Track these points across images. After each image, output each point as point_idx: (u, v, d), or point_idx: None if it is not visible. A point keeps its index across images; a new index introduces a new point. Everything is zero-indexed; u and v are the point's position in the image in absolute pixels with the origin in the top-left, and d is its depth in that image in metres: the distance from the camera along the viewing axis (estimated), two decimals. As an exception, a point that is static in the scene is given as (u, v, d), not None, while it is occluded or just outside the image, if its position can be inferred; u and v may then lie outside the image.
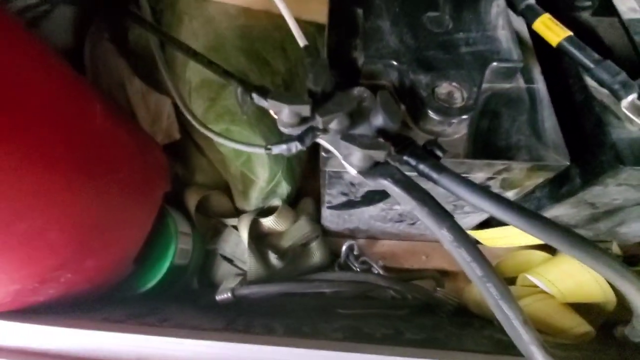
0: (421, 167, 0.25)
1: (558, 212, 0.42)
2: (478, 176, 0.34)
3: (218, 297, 0.43)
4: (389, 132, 0.28)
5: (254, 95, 0.30)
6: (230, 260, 0.50)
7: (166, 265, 0.45)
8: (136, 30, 0.49)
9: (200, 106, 0.42)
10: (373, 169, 0.26)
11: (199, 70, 0.42)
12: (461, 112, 0.29)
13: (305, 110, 0.28)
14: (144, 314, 0.42)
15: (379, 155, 0.25)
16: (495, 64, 0.32)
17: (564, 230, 0.21)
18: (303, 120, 0.29)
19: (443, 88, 0.31)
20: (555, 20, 0.35)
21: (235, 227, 0.51)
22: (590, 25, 0.39)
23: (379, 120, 0.28)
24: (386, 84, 0.34)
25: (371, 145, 0.25)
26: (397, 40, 0.33)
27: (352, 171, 0.27)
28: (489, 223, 0.48)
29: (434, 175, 0.25)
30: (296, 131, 0.29)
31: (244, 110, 0.31)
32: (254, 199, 0.51)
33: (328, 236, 0.55)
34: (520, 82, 0.35)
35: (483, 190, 0.23)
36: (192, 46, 0.37)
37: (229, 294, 0.42)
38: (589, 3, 0.41)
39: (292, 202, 0.55)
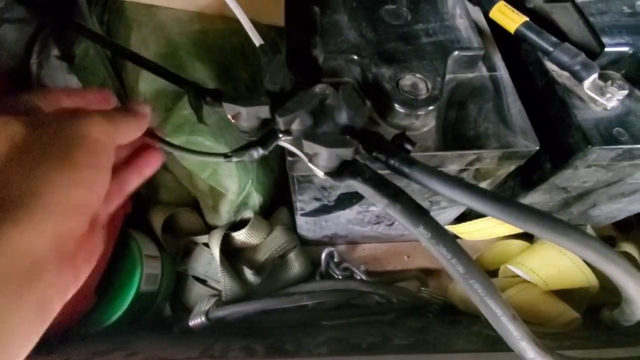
0: (391, 162, 0.24)
1: (532, 199, 0.41)
2: (451, 168, 0.33)
3: (191, 323, 0.40)
4: (355, 128, 0.26)
5: (208, 100, 0.28)
6: (203, 281, 0.46)
7: (132, 293, 0.41)
8: (83, 43, 0.46)
9: (157, 117, 0.39)
10: (341, 169, 0.25)
11: (151, 79, 0.40)
12: (427, 103, 0.28)
13: (264, 111, 0.26)
14: (110, 350, 0.38)
15: (346, 153, 0.24)
16: (456, 52, 0.31)
17: (543, 215, 0.20)
18: (263, 123, 0.27)
19: (407, 80, 0.29)
20: (510, 7, 0.35)
21: (207, 245, 0.48)
22: (545, 11, 0.40)
23: (343, 116, 0.26)
24: (349, 80, 0.33)
25: (337, 142, 0.23)
26: (357, 34, 0.32)
27: (320, 173, 0.26)
28: (466, 216, 0.48)
29: (405, 169, 0.23)
30: (257, 135, 0.27)
31: (200, 118, 0.29)
32: (225, 213, 0.48)
33: (306, 245, 0.53)
34: (483, 71, 0.34)
35: (456, 180, 0.22)
36: (143, 54, 0.35)
37: (203, 318, 0.38)
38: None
39: (267, 212, 0.52)
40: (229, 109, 0.26)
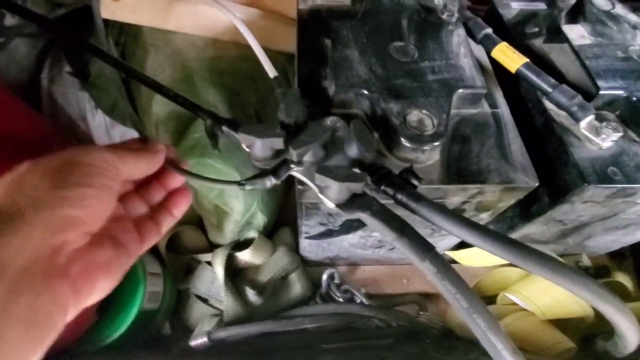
0: (399, 196, 0.25)
1: (530, 230, 0.43)
2: (453, 200, 0.34)
3: (193, 343, 0.40)
4: (364, 162, 0.27)
5: (225, 129, 0.29)
6: (205, 300, 0.47)
7: (134, 311, 0.41)
8: (98, 62, 0.48)
9: (168, 140, 0.41)
10: (350, 202, 0.26)
11: (165, 103, 0.41)
12: (433, 139, 0.30)
13: (279, 143, 0.27)
14: (108, 368, 0.38)
15: (357, 187, 0.25)
16: (460, 90, 0.33)
17: (542, 256, 0.21)
18: (277, 153, 0.28)
19: (414, 115, 0.31)
20: (512, 48, 0.37)
21: (210, 263, 0.49)
22: (543, 51, 0.42)
23: (353, 150, 0.27)
24: (358, 112, 0.35)
25: (348, 177, 0.24)
26: (366, 69, 0.34)
27: (330, 204, 0.27)
28: (466, 244, 0.49)
29: (412, 204, 0.24)
30: (270, 164, 0.29)
31: (215, 145, 0.30)
32: (229, 232, 0.49)
33: (308, 266, 0.53)
34: (485, 107, 0.36)
35: (460, 218, 0.23)
36: (158, 78, 0.36)
37: (205, 339, 0.39)
38: (536, 29, 0.44)
39: (269, 233, 0.53)
40: (245, 139, 0.27)
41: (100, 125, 0.53)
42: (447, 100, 0.32)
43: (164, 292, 0.46)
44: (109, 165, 0.22)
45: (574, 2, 0.44)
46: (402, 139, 0.30)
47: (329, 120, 0.31)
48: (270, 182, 0.28)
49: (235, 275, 0.47)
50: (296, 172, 0.28)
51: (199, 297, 0.47)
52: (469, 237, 0.23)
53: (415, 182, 0.26)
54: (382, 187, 0.26)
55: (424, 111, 0.31)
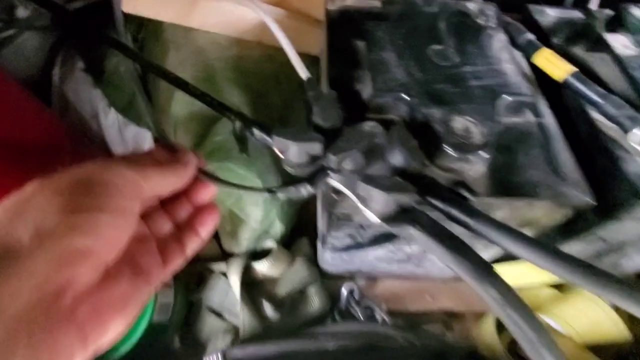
0: (448, 210, 0.23)
1: (568, 248, 0.40)
2: (496, 215, 0.31)
3: (205, 360, 0.37)
4: (409, 171, 0.25)
5: (256, 132, 0.27)
6: (218, 314, 0.44)
7: (143, 325, 0.38)
8: (114, 59, 0.46)
9: (188, 142, 0.38)
10: (397, 215, 0.23)
11: (186, 102, 0.39)
12: (481, 147, 0.27)
13: (316, 148, 0.25)
14: (115, 385, 0.35)
15: (405, 199, 0.23)
16: (505, 97, 0.31)
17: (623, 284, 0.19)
18: (313, 159, 0.26)
19: (458, 122, 0.29)
20: (557, 55, 0.35)
21: (224, 273, 0.46)
22: (584, 60, 0.40)
23: (397, 158, 0.25)
24: (395, 118, 0.32)
25: (396, 187, 0.22)
26: (405, 73, 0.32)
27: (373, 217, 0.24)
28: (506, 257, 0.46)
29: (466, 219, 0.22)
30: (305, 171, 0.26)
31: (245, 149, 0.28)
32: (245, 241, 0.46)
33: (325, 278, 0.51)
34: (529, 116, 0.34)
35: (525, 237, 0.21)
36: (183, 78, 0.34)
37: (220, 357, 0.36)
38: (575, 37, 0.42)
39: (286, 242, 0.51)
40: (279, 143, 0.25)
41: (113, 124, 0.51)
42: (492, 107, 0.30)
43: (174, 304, 0.43)
44: (129, 183, 0.19)
45: (610, 11, 0.43)
46: (447, 147, 0.28)
47: (367, 126, 0.29)
48: (306, 190, 0.25)
49: (252, 287, 0.45)
50: (333, 180, 0.26)
51: (212, 310, 0.44)
52: (534, 257, 0.20)
53: (467, 194, 0.24)
54: (429, 199, 0.24)
55: (469, 118, 0.29)
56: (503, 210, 0.31)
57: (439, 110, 0.29)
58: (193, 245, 0.25)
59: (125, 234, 0.19)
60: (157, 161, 0.22)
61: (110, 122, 0.52)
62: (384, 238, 0.37)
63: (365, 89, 0.33)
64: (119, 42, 0.31)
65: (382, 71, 0.32)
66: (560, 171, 0.30)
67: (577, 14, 0.44)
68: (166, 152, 0.25)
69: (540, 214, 0.31)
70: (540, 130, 0.33)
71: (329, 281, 0.51)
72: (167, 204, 0.25)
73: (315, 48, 0.48)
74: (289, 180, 0.25)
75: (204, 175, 0.25)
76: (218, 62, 0.40)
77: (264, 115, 0.41)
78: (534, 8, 0.44)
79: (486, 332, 0.50)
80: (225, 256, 0.49)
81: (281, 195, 0.26)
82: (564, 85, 0.35)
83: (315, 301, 0.46)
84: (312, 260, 0.49)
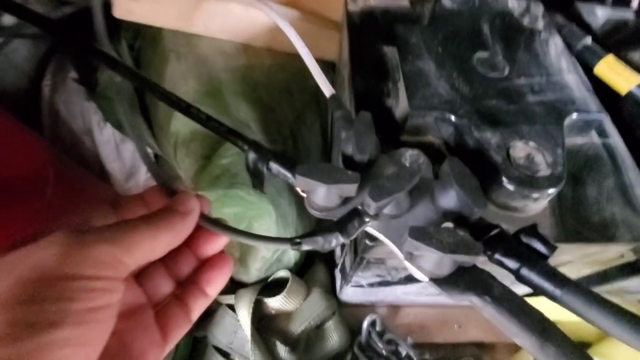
0: (525, 273, 0.18)
1: (629, 283, 0.35)
2: (559, 259, 0.26)
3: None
4: (466, 218, 0.20)
5: (273, 166, 0.22)
6: (226, 354, 0.39)
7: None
8: (108, 70, 0.41)
9: (191, 166, 0.34)
10: (456, 278, 0.18)
11: (187, 120, 0.34)
12: (549, 183, 0.22)
13: (350, 189, 0.20)
14: None
15: (470, 260, 0.17)
16: (574, 116, 0.25)
17: None
18: (344, 201, 0.21)
19: (519, 150, 0.24)
20: (621, 62, 0.30)
21: (231, 307, 0.41)
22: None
23: (449, 200, 0.20)
24: (435, 141, 0.27)
25: (460, 247, 0.17)
26: (448, 86, 0.27)
27: (422, 277, 0.19)
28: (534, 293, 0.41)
29: (555, 291, 0.17)
30: (332, 215, 0.21)
31: (260, 185, 0.23)
32: (255, 270, 0.41)
33: (343, 307, 0.46)
34: (593, 137, 0.28)
35: (633, 317, 0.16)
36: (180, 91, 0.29)
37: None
38: (633, 40, 0.37)
39: (300, 269, 0.46)
40: (304, 183, 0.20)
41: (109, 141, 0.47)
42: (559, 129, 0.25)
43: (176, 344, 0.39)
44: (105, 267, 0.15)
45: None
46: (507, 182, 0.22)
47: (409, 155, 0.23)
48: (337, 240, 0.20)
49: (264, 324, 0.40)
50: (371, 227, 0.21)
51: (218, 350, 0.39)
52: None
53: (544, 250, 0.19)
54: (499, 258, 0.19)
55: (532, 143, 0.24)
56: (571, 254, 0.25)
57: (495, 134, 0.24)
58: (199, 307, 0.20)
59: (97, 346, 0.14)
60: (147, 218, 0.17)
61: (106, 138, 0.47)
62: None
63: (399, 106, 0.28)
64: (105, 55, 0.26)
65: (420, 84, 0.27)
66: (637, 205, 0.25)
67: (629, 14, 0.39)
68: (161, 195, 0.20)
69: (614, 255, 0.26)
70: (608, 153, 0.28)
71: (347, 310, 0.46)
72: (168, 259, 0.20)
73: (330, 53, 0.43)
74: (316, 229, 0.20)
75: (208, 224, 0.20)
76: (224, 73, 0.35)
77: (274, 131, 0.36)
78: (582, 7, 0.39)
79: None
80: (234, 285, 0.44)
81: (306, 247, 0.21)
82: (628, 98, 0.30)
83: (334, 337, 0.41)
84: (330, 291, 0.44)
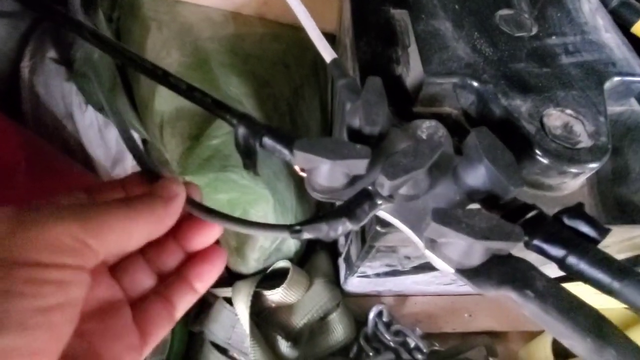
0: (581, 265, 0.15)
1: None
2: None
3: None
4: (500, 198, 0.17)
5: (267, 142, 0.19)
6: (224, 350, 0.37)
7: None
8: (85, 45, 0.37)
9: (177, 147, 0.30)
10: (488, 269, 0.15)
11: (172, 96, 0.30)
12: (592, 155, 0.19)
13: (359, 166, 0.17)
14: None
15: (507, 247, 0.14)
16: (616, 79, 0.22)
17: None
18: (352, 181, 0.18)
19: (554, 119, 0.20)
20: (666, 19, 0.26)
21: (229, 300, 0.39)
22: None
23: (479, 178, 0.17)
24: (452, 112, 0.24)
25: (496, 231, 0.14)
26: (469, 48, 0.23)
27: (447, 269, 0.16)
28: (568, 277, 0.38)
29: (613, 283, 0.14)
30: (338, 197, 0.18)
31: (253, 167, 0.20)
32: (254, 261, 0.38)
33: (347, 297, 0.43)
34: (633, 104, 0.25)
35: None
36: (162, 64, 0.26)
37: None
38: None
39: (301, 258, 0.43)
40: (304, 160, 0.17)
41: (92, 124, 0.43)
42: (599, 94, 0.21)
43: (171, 340, 0.36)
44: (65, 253, 0.12)
45: None
46: (541, 155, 0.19)
47: (425, 127, 0.20)
48: (344, 227, 0.17)
49: (264, 318, 0.37)
50: (384, 211, 0.18)
51: (216, 346, 0.37)
52: None
53: (595, 235, 0.16)
54: (539, 244, 0.16)
55: (569, 111, 0.20)
56: (612, 237, 0.22)
57: (526, 101, 0.20)
58: (185, 304, 0.18)
59: (51, 356, 0.11)
60: (123, 201, 0.14)
61: (88, 121, 0.43)
62: (432, 266, 0.29)
63: (411, 73, 0.24)
64: (75, 22, 0.22)
65: (436, 47, 0.23)
66: (689, 181, 0.22)
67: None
68: (142, 180, 0.17)
69: (659, 239, 0.23)
70: (651, 122, 0.24)
71: (352, 300, 0.44)
72: (149, 250, 0.17)
73: (329, 23, 0.39)
74: (318, 214, 0.17)
75: (198, 212, 0.17)
76: (211, 43, 0.31)
77: (270, 108, 0.33)
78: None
79: (539, 359, 0.43)
80: (231, 277, 0.41)
81: (307, 235, 0.17)
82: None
83: (338, 330, 0.39)
84: (333, 280, 0.41)
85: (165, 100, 0.31)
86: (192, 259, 0.18)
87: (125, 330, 0.15)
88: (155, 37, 0.31)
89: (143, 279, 0.17)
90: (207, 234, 0.18)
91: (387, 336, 0.41)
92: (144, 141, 0.42)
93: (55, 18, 0.23)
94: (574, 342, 0.13)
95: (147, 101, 0.33)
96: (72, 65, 0.41)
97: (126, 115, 0.37)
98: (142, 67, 0.21)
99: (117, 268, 0.17)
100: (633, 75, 0.22)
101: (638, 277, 0.14)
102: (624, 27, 0.27)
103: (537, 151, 0.19)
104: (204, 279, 0.18)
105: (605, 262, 0.14)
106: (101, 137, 0.43)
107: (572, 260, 0.15)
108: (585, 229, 0.16)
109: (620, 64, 0.23)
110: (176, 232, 0.17)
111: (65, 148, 0.44)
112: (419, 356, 0.41)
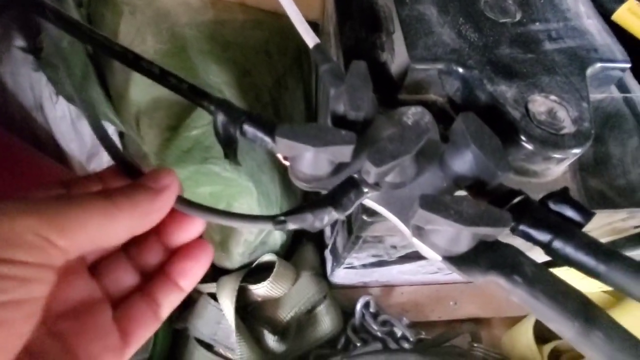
0: (567, 249, 0.14)
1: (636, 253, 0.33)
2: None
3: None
4: (482, 183, 0.16)
5: (248, 130, 0.18)
6: (209, 346, 0.36)
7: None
8: (52, 31, 0.35)
9: (156, 138, 0.29)
10: (475, 255, 0.15)
11: (147, 85, 0.29)
12: (576, 141, 0.19)
13: (344, 153, 0.16)
14: None
15: (497, 233, 0.14)
16: (598, 65, 0.22)
17: None
18: (337, 169, 0.17)
19: (539, 104, 0.20)
20: (645, 7, 0.26)
21: (213, 296, 0.38)
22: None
23: (466, 163, 0.17)
24: (437, 99, 0.24)
25: (484, 217, 0.14)
26: (454, 34, 0.23)
27: (434, 256, 0.16)
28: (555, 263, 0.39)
29: (599, 266, 0.14)
30: (323, 186, 0.18)
31: (233, 156, 0.19)
32: (238, 255, 0.38)
33: (334, 289, 0.43)
34: (613, 91, 0.25)
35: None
36: (137, 50, 0.24)
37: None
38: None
39: (287, 251, 0.42)
40: (286, 148, 0.16)
41: (64, 117, 0.41)
42: (582, 80, 0.21)
43: (155, 337, 0.35)
44: (25, 250, 0.11)
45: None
46: (526, 141, 0.19)
47: (410, 113, 0.20)
48: (330, 216, 0.17)
49: (250, 313, 0.37)
50: (371, 201, 0.17)
51: (201, 342, 0.36)
52: None
53: (578, 218, 0.16)
54: (525, 229, 0.16)
55: (553, 97, 0.20)
56: (591, 222, 0.23)
57: (511, 87, 0.20)
58: (170, 302, 0.17)
59: (6, 356, 0.10)
60: (102, 193, 0.13)
61: (60, 113, 0.41)
62: (419, 256, 0.29)
63: (396, 60, 0.24)
64: (43, 5, 0.20)
65: (421, 32, 0.23)
66: (667, 166, 0.22)
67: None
68: (123, 177, 0.16)
69: (637, 223, 0.23)
70: (631, 109, 0.25)
71: (339, 292, 0.43)
72: (131, 247, 0.17)
73: (312, 11, 0.38)
74: (304, 204, 0.17)
75: (178, 204, 0.16)
76: (189, 29, 0.29)
77: (252, 97, 0.32)
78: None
79: (522, 343, 0.44)
80: (216, 272, 0.41)
81: (292, 226, 0.17)
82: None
83: (325, 322, 0.39)
84: (320, 273, 0.41)
85: (141, 90, 0.30)
86: (177, 255, 0.17)
87: (104, 330, 0.15)
88: (129, 23, 0.30)
89: (125, 278, 0.16)
90: (189, 228, 0.17)
91: (375, 326, 0.41)
92: (121, 134, 0.40)
93: (35, 10, 0.22)
94: (561, 326, 0.13)
95: (122, 91, 0.32)
96: (40, 54, 0.38)
97: (100, 107, 0.35)
98: (112, 51, 0.20)
99: (97, 266, 0.16)
100: (614, 61, 0.22)
101: (623, 260, 0.14)
102: (604, 16, 0.28)
103: (523, 137, 0.19)
104: (188, 276, 0.17)
105: (591, 245, 0.14)
106: (74, 130, 0.41)
107: (557, 244, 0.15)
108: (570, 213, 0.16)
109: (602, 50, 0.23)
110: (157, 227, 0.16)
111: (35, 142, 0.42)
112: (406, 345, 0.41)
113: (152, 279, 0.17)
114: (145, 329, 0.16)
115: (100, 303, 0.15)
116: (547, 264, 0.18)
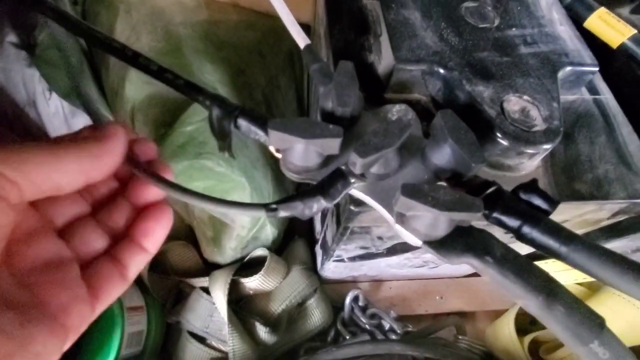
0: (533, 234, 0.16)
1: (614, 244, 0.35)
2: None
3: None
4: (462, 175, 0.18)
5: (242, 123, 0.19)
6: (201, 339, 0.37)
7: (108, 364, 0.31)
8: (48, 27, 0.35)
9: (150, 134, 0.30)
10: (453, 239, 0.16)
11: (143, 82, 0.30)
12: (547, 137, 0.21)
13: (332, 146, 0.17)
14: None
15: (470, 218, 0.15)
16: (568, 69, 0.24)
17: None
18: (326, 161, 0.18)
19: (514, 103, 0.22)
20: (614, 15, 0.28)
21: (206, 290, 0.39)
22: (632, 22, 0.33)
23: (444, 156, 0.18)
24: (421, 98, 0.25)
25: (459, 203, 0.15)
26: (436, 37, 0.24)
27: (415, 241, 0.17)
28: (541, 255, 0.41)
29: (561, 248, 0.15)
30: (313, 177, 0.19)
31: (227, 149, 0.20)
32: (230, 250, 0.38)
33: (324, 284, 0.44)
34: (584, 93, 0.27)
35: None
36: (132, 48, 0.25)
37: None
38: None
39: (279, 246, 0.43)
40: (278, 140, 0.17)
41: (57, 113, 0.41)
42: (554, 82, 0.23)
43: (148, 331, 0.36)
44: None
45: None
46: (501, 138, 0.21)
47: (395, 111, 0.21)
48: (319, 205, 0.18)
49: (242, 306, 0.38)
50: (357, 191, 0.19)
51: (194, 335, 0.37)
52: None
53: (546, 206, 0.17)
54: (498, 216, 0.17)
55: (526, 97, 0.22)
56: (563, 214, 0.24)
57: (488, 87, 0.22)
58: (137, 264, 0.18)
59: None
60: (53, 139, 0.15)
61: (53, 109, 0.41)
62: (404, 248, 0.31)
63: (382, 61, 0.25)
64: (42, 1, 0.21)
65: (406, 35, 0.24)
66: (631, 162, 0.24)
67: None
68: (91, 131, 0.17)
69: (606, 215, 0.25)
70: (600, 110, 0.26)
71: (329, 286, 0.45)
72: (99, 208, 0.18)
73: (304, 14, 0.39)
74: (294, 193, 0.18)
75: (162, 184, 0.17)
76: (183, 28, 0.30)
77: (245, 96, 0.33)
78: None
79: (504, 335, 0.46)
80: (208, 267, 0.41)
81: (283, 213, 0.18)
82: (620, 51, 0.28)
83: (316, 315, 0.40)
84: (310, 267, 0.42)
85: (136, 87, 0.31)
86: (139, 217, 0.18)
87: (73, 283, 0.15)
88: (124, 21, 0.30)
89: (94, 240, 0.17)
90: (155, 190, 0.18)
91: (363, 319, 0.43)
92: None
93: (32, 5, 0.22)
94: (527, 301, 0.15)
95: (117, 88, 0.32)
96: (34, 49, 0.39)
97: (95, 103, 0.35)
98: (110, 47, 0.20)
99: (66, 230, 0.17)
100: (583, 65, 0.24)
101: (583, 242, 0.15)
102: (577, 23, 0.30)
103: (498, 134, 0.21)
104: (151, 236, 0.18)
105: (555, 229, 0.16)
106: (67, 126, 0.41)
107: (526, 229, 0.16)
108: (538, 201, 0.17)
109: (573, 55, 0.24)
110: (125, 188, 0.18)
111: (28, 138, 0.42)
112: (393, 337, 0.42)
113: (117, 241, 0.17)
114: (113, 288, 0.17)
115: (69, 261, 0.16)
116: (534, 258, 0.19)
